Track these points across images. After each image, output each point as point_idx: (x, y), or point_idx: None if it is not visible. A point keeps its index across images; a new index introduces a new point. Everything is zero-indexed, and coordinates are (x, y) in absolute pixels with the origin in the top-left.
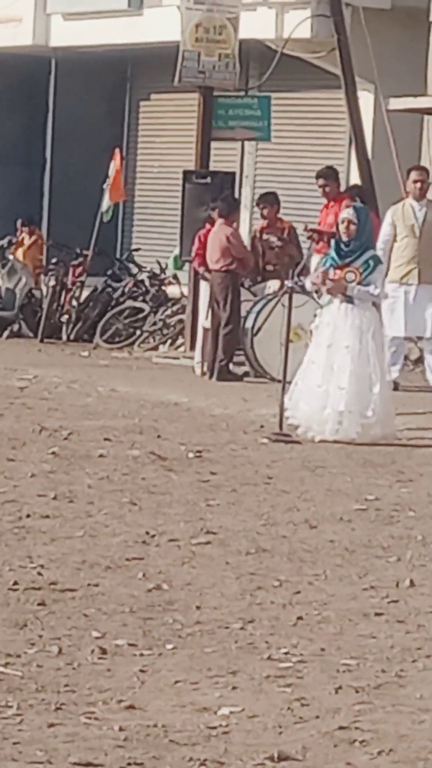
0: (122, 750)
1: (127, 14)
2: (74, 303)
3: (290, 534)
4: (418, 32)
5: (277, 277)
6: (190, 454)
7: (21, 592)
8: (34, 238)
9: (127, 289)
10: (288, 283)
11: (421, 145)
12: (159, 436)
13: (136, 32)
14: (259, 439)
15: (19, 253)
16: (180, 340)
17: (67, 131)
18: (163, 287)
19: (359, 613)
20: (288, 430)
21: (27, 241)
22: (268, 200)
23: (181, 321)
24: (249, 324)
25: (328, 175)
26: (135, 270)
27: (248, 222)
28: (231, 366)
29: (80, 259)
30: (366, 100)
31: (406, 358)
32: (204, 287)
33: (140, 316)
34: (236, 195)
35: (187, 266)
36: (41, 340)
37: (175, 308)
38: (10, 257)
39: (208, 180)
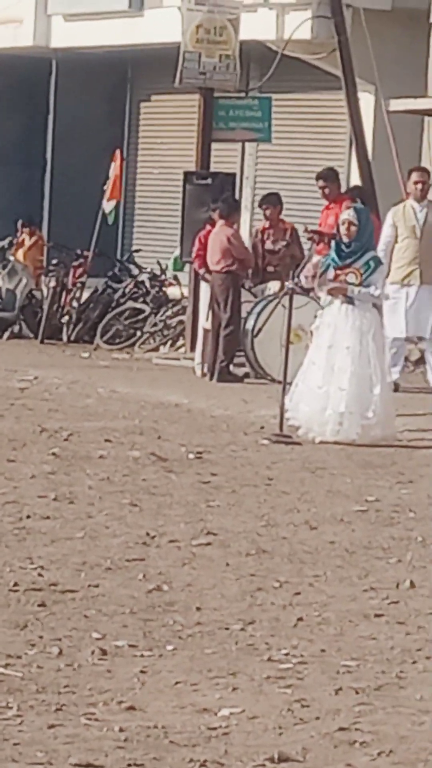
0: (122, 751)
1: (128, 15)
2: (75, 304)
3: (290, 535)
4: (418, 33)
5: (278, 279)
6: (191, 456)
7: (21, 593)
8: (34, 239)
9: (127, 290)
10: (288, 284)
11: (422, 146)
12: (159, 438)
13: (137, 33)
14: (260, 441)
15: (20, 254)
16: (180, 342)
17: (67, 132)
18: (164, 288)
19: (359, 615)
20: (288, 431)
21: (27, 242)
22: (271, 201)
23: (181, 322)
24: (249, 325)
25: (328, 176)
26: (135, 271)
27: (249, 223)
28: (231, 367)
29: (81, 260)
30: (366, 101)
31: (406, 359)
32: (204, 288)
33: (141, 317)
34: (237, 196)
35: (187, 267)
36: (41, 341)
37: (175, 309)
38: (11, 258)
39: (209, 181)
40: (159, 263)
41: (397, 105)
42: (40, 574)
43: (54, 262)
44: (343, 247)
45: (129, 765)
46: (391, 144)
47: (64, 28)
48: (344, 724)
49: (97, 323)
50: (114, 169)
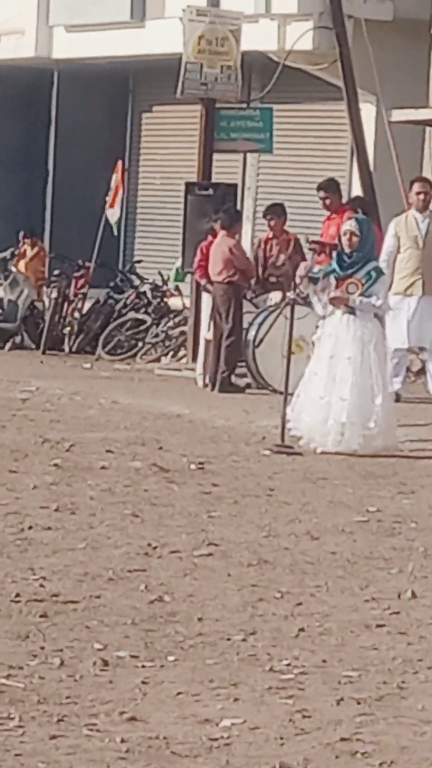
0: (124, 762)
1: (130, 26)
2: (76, 315)
3: (292, 546)
4: (419, 44)
5: (280, 289)
6: (192, 466)
7: (23, 603)
8: (36, 249)
9: (129, 301)
10: (290, 294)
11: (423, 156)
12: (161, 448)
13: (139, 44)
14: (261, 451)
15: (21, 264)
16: (182, 352)
17: (69, 143)
18: (165, 299)
19: (361, 625)
20: (290, 441)
21: (29, 253)
22: (276, 212)
23: (183, 333)
24: (251, 336)
25: (329, 187)
26: (137, 282)
27: (250, 234)
28: (233, 378)
29: (82, 271)
30: (368, 111)
31: (408, 369)
32: (206, 299)
33: (142, 327)
34: (238, 207)
35: (189, 278)
36: (43, 352)
37: (177, 320)
38: (13, 269)
39: (211, 192)
40: (160, 274)
41: (398, 115)
42: (41, 585)
43: (56, 272)
44: (344, 257)
45: None
46: (393, 154)
47: (66, 39)
48: (346, 734)
49: (99, 334)
50: (115, 180)
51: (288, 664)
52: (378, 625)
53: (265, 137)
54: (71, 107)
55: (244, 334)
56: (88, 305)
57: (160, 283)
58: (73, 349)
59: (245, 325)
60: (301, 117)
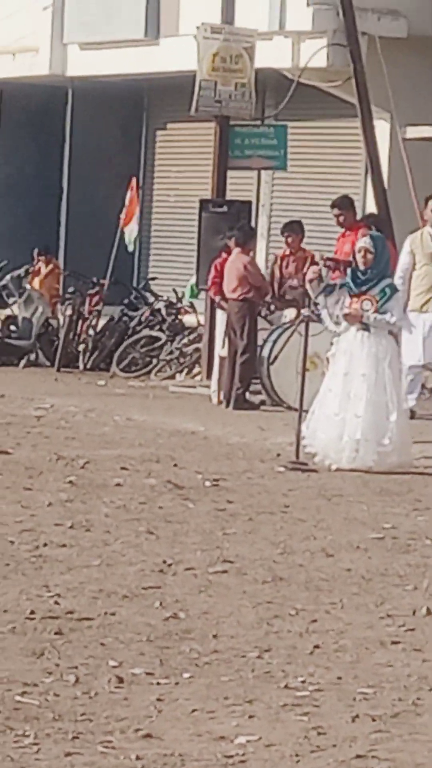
0: None
1: (144, 44)
2: (91, 332)
3: (307, 563)
4: None
5: (294, 306)
6: (207, 483)
7: (38, 621)
8: (50, 267)
9: (143, 318)
10: (304, 311)
11: None
12: (176, 465)
13: (153, 62)
14: (276, 468)
15: (36, 282)
16: (196, 369)
17: (83, 160)
18: (180, 316)
19: (376, 642)
20: (305, 458)
21: (43, 270)
22: (293, 229)
23: (197, 350)
24: (265, 353)
25: (343, 204)
26: (151, 299)
27: (265, 251)
28: (247, 395)
29: (97, 288)
30: (382, 128)
31: (422, 386)
32: (220, 316)
33: (157, 344)
34: (253, 224)
35: (203, 295)
36: (58, 369)
37: (191, 337)
38: (27, 286)
39: (225, 209)
40: (175, 291)
41: (412, 132)
42: (56, 602)
43: (70, 290)
44: (359, 274)
45: None
46: (407, 171)
47: (80, 56)
48: (361, 751)
49: (113, 351)
50: (129, 197)
51: (303, 681)
52: (393, 642)
53: (279, 154)
54: (85, 125)
55: (259, 351)
56: (102, 322)
57: (174, 300)
58: (88, 366)
59: (260, 342)
60: (316, 134)
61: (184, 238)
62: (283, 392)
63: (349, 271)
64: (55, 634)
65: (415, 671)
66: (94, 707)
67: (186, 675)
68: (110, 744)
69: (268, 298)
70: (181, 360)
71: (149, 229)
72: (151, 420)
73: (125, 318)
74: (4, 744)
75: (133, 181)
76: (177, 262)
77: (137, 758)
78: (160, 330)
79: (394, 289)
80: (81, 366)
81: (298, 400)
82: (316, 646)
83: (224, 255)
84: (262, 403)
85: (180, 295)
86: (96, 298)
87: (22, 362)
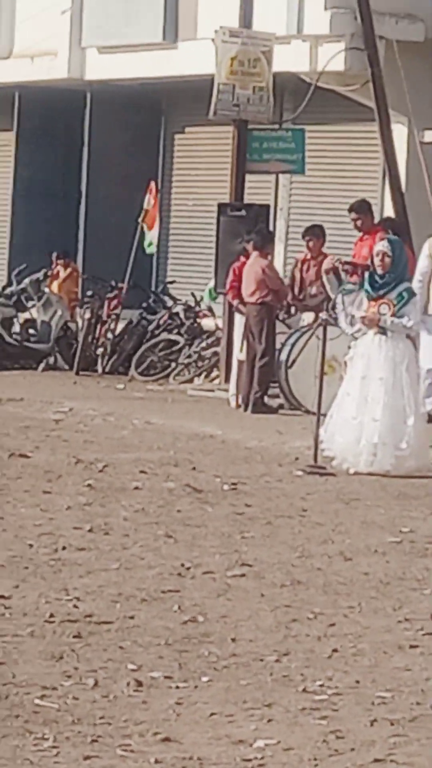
0: None
1: (162, 47)
2: (109, 335)
3: (325, 566)
4: None
5: (313, 310)
6: (225, 487)
7: (57, 624)
8: (69, 270)
9: (162, 322)
10: (322, 315)
11: None
12: (194, 469)
13: (171, 65)
14: (294, 472)
15: (55, 285)
16: (215, 373)
17: (102, 164)
18: (198, 320)
19: (394, 646)
20: (323, 462)
21: (62, 274)
22: (315, 233)
23: (215, 353)
24: (283, 356)
25: (361, 208)
26: (170, 302)
27: (283, 254)
28: (266, 398)
29: (115, 292)
30: (400, 132)
31: None
32: (239, 319)
33: (175, 348)
34: (271, 227)
35: (221, 298)
36: (77, 373)
37: (210, 341)
38: (46, 290)
39: (243, 213)
40: (193, 295)
41: (430, 136)
42: (75, 606)
43: (89, 293)
44: (376, 278)
45: None
46: (425, 175)
47: (99, 60)
48: (379, 755)
49: (132, 355)
50: (149, 201)
51: (321, 685)
52: (411, 646)
53: (297, 158)
54: (104, 128)
55: (277, 355)
56: (121, 326)
57: (192, 303)
58: (107, 369)
59: (278, 345)
60: (333, 138)
61: (203, 241)
62: (301, 396)
63: (366, 274)
64: (74, 637)
65: None
66: (112, 710)
67: (205, 678)
68: (129, 747)
69: (289, 298)
70: (200, 363)
71: (167, 232)
72: (170, 423)
73: (144, 321)
74: (23, 747)
75: (152, 184)
76: (195, 265)
77: (156, 762)
78: (179, 333)
79: (412, 293)
80: (100, 369)
81: (316, 403)
82: (335, 650)
83: (242, 259)
84: (281, 406)
85: (198, 298)
86: (114, 302)
87: (41, 366)
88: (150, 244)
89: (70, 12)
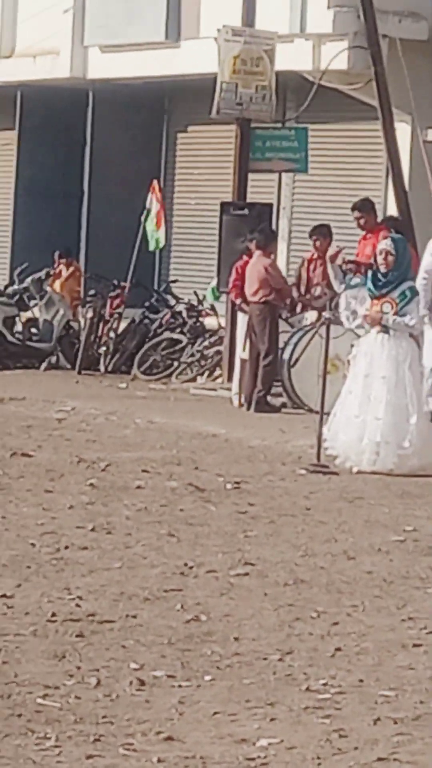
0: None
1: (165, 46)
2: (112, 335)
3: (328, 565)
4: None
5: (317, 308)
6: (228, 486)
7: (59, 623)
8: (71, 269)
9: (164, 321)
10: (325, 314)
11: None
12: (197, 468)
13: (174, 64)
14: (297, 471)
15: (57, 284)
16: (217, 372)
17: (104, 163)
18: (201, 319)
19: (398, 644)
20: (326, 461)
21: (64, 273)
22: (322, 232)
23: (218, 352)
24: (286, 355)
25: (364, 207)
26: (172, 301)
27: (285, 253)
28: (268, 397)
29: (118, 291)
30: (403, 131)
31: None
32: (241, 318)
33: (178, 347)
34: (273, 226)
35: (224, 297)
36: (79, 372)
37: (212, 340)
38: (48, 289)
39: (246, 211)
40: (196, 294)
41: None
42: (78, 605)
43: (91, 292)
44: (379, 276)
45: None
46: (428, 173)
47: (101, 59)
48: (383, 754)
49: (135, 354)
50: (153, 200)
51: (325, 684)
52: (415, 645)
53: (300, 157)
54: (106, 127)
55: (280, 354)
56: (123, 325)
57: (195, 302)
58: (109, 368)
59: (281, 344)
60: (336, 136)
61: (205, 240)
62: (304, 395)
63: (369, 273)
64: (77, 636)
65: None
66: (115, 710)
67: (207, 678)
68: (132, 746)
69: (295, 296)
70: (202, 363)
71: (170, 231)
72: (172, 423)
73: (146, 321)
74: (25, 746)
75: (155, 184)
76: (198, 264)
77: (159, 761)
78: (181, 333)
79: (415, 292)
80: (102, 369)
81: (319, 402)
82: (338, 649)
83: (245, 258)
84: (283, 405)
85: (201, 297)
86: (117, 301)
87: (44, 365)
88: (157, 240)
89: (73, 11)
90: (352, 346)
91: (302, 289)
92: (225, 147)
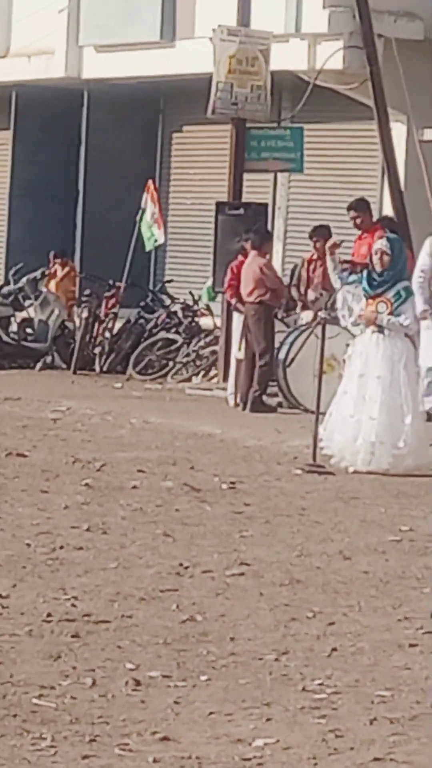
0: None
1: (160, 46)
2: (107, 334)
3: (324, 565)
4: None
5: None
6: (224, 486)
7: (55, 623)
8: (66, 270)
9: (160, 321)
10: (321, 314)
11: None
12: (192, 468)
13: (169, 64)
14: (293, 471)
15: (52, 285)
16: (213, 372)
17: (99, 163)
18: (196, 318)
19: (394, 644)
20: (322, 460)
21: (60, 273)
22: (322, 233)
23: (214, 352)
24: (282, 355)
25: (359, 207)
26: (168, 301)
27: (281, 253)
28: (264, 397)
29: (113, 291)
30: (398, 131)
31: None
32: (237, 318)
33: (173, 347)
34: (269, 226)
35: (220, 297)
36: (74, 372)
37: (208, 339)
38: (43, 289)
39: (241, 211)
40: (191, 293)
41: (430, 134)
42: (73, 605)
43: (86, 292)
44: (375, 276)
45: None
46: (424, 173)
47: (96, 59)
48: (379, 754)
49: (130, 354)
50: (148, 200)
51: (321, 684)
52: (411, 645)
53: (295, 157)
54: (101, 127)
55: (276, 354)
56: (118, 325)
57: (191, 302)
58: (104, 368)
59: (276, 344)
60: (332, 136)
61: (201, 240)
62: (300, 395)
63: (365, 273)
64: (72, 636)
65: None
66: (111, 710)
67: (203, 678)
68: (127, 747)
69: (294, 295)
70: (198, 362)
71: (166, 231)
72: (168, 423)
73: (141, 320)
74: (21, 747)
75: (150, 184)
76: (193, 264)
77: (154, 761)
78: (177, 332)
79: (410, 292)
80: (97, 369)
81: (314, 402)
82: (334, 649)
83: (240, 258)
84: (279, 405)
85: (196, 297)
86: (112, 301)
87: (39, 365)
88: (154, 240)
89: (68, 10)
90: (347, 345)
91: (302, 290)
92: (220, 147)
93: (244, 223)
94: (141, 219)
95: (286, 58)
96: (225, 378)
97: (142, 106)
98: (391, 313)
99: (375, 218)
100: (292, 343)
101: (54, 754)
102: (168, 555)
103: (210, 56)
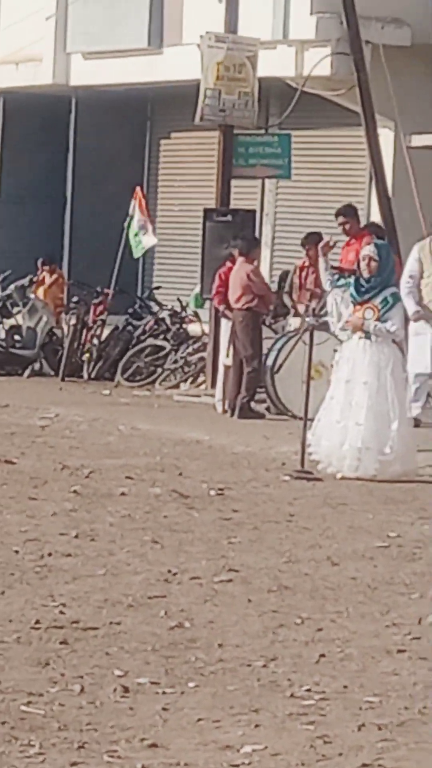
0: None
1: (148, 53)
2: (95, 341)
3: (312, 571)
4: None
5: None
6: (212, 492)
7: (43, 630)
8: (54, 276)
9: (148, 327)
10: (309, 320)
11: None
12: (180, 474)
13: (157, 71)
14: (281, 477)
15: (40, 291)
16: (201, 378)
17: (87, 170)
18: (184, 325)
19: (382, 650)
20: (309, 467)
21: (48, 280)
22: (314, 240)
23: (202, 359)
24: (270, 362)
25: (347, 212)
26: (156, 308)
27: (269, 260)
28: (252, 404)
29: (101, 298)
30: (386, 137)
31: (429, 394)
32: (225, 325)
33: (161, 354)
34: (257, 233)
35: (208, 304)
36: (62, 379)
37: (196, 346)
38: (31, 296)
39: (229, 218)
40: (179, 300)
41: (417, 140)
42: (61, 612)
43: (74, 299)
44: (362, 282)
45: None
46: (411, 180)
47: (84, 65)
48: (367, 760)
49: (118, 360)
50: (136, 207)
51: (309, 690)
52: (399, 651)
53: (283, 163)
54: (89, 134)
55: (263, 360)
56: (106, 332)
57: (179, 309)
58: (92, 375)
59: (264, 350)
60: (320, 143)
61: (189, 247)
62: (288, 401)
63: (352, 279)
64: (60, 643)
65: (421, 680)
66: (99, 717)
67: (191, 684)
68: (116, 753)
69: (287, 302)
70: (186, 369)
71: (155, 235)
72: (156, 429)
73: (130, 327)
74: (9, 754)
75: (138, 190)
76: (181, 271)
77: None
78: (165, 339)
79: (397, 298)
80: (85, 375)
81: (302, 408)
82: (322, 655)
83: (228, 264)
84: (267, 411)
85: (184, 304)
86: (100, 308)
87: (27, 372)
88: (141, 247)
89: (55, 17)
90: (335, 351)
91: (295, 297)
92: (208, 153)
93: (231, 230)
94: (129, 226)
95: (274, 64)
96: (213, 384)
97: (130, 112)
98: (378, 320)
99: (362, 224)
100: (280, 350)
101: (42, 761)
102: (156, 562)
103: (197, 63)
